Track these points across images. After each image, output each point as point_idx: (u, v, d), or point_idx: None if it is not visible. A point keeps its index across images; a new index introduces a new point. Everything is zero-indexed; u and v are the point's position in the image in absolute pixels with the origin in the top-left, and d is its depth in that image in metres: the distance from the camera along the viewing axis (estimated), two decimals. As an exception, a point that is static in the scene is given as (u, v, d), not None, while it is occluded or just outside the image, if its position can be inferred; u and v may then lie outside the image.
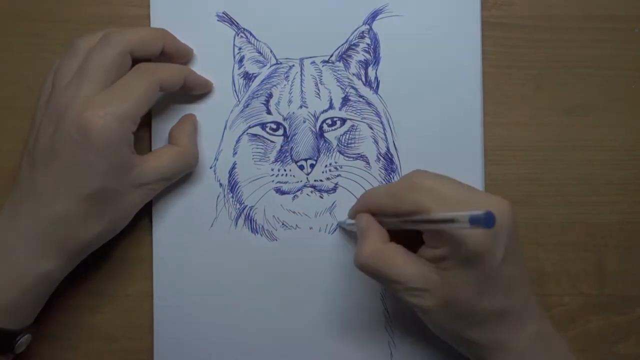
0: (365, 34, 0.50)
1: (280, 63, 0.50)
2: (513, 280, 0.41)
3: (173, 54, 0.48)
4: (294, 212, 0.50)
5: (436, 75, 0.49)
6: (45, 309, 0.46)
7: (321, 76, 0.50)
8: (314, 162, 0.49)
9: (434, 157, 0.49)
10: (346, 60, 0.50)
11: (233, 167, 0.50)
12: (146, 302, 0.50)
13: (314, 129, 0.49)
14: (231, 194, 0.50)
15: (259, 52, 0.50)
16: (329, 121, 0.49)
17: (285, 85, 0.50)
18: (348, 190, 0.49)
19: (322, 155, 0.49)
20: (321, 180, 0.49)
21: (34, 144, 0.44)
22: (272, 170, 0.50)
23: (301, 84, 0.50)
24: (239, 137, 0.50)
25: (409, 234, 0.43)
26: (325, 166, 0.49)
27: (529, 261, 0.50)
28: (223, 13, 0.50)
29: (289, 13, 0.50)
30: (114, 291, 0.50)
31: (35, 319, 0.46)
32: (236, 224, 0.50)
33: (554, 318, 0.50)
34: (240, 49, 0.50)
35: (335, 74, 0.50)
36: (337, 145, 0.49)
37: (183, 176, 0.49)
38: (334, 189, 0.49)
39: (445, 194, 0.40)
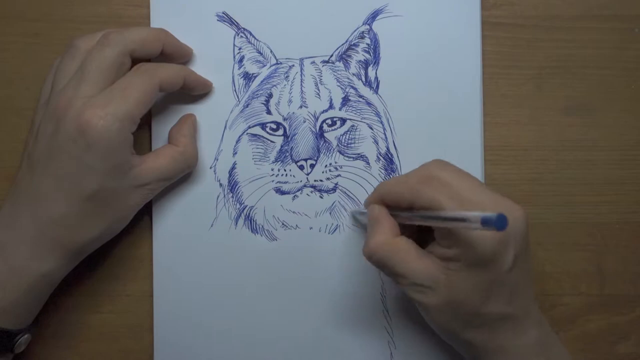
0: (365, 34, 0.50)
1: (280, 63, 0.50)
2: (519, 287, 0.41)
3: (173, 54, 0.48)
4: (294, 212, 0.50)
5: (436, 75, 0.49)
6: (45, 309, 0.46)
7: (321, 76, 0.50)
8: (314, 162, 0.49)
9: (433, 156, 0.48)
10: (346, 60, 0.50)
11: (233, 167, 0.50)
12: (146, 302, 0.50)
13: (314, 129, 0.49)
14: (231, 194, 0.50)
15: (259, 52, 0.50)
16: (329, 121, 0.49)
17: (285, 85, 0.50)
18: (348, 190, 0.49)
19: (322, 155, 0.49)
20: (321, 180, 0.49)
21: (34, 145, 0.44)
22: (272, 170, 0.50)
23: (301, 84, 0.50)
24: (239, 137, 0.50)
25: (422, 229, 0.43)
26: (325, 166, 0.49)
27: (529, 261, 0.50)
28: (223, 13, 0.50)
29: (289, 13, 0.50)
30: (114, 291, 0.50)
31: (35, 319, 0.46)
32: (236, 224, 0.50)
33: (554, 318, 0.50)
34: (240, 49, 0.50)
35: (335, 74, 0.50)
36: (337, 145, 0.49)
37: (183, 176, 0.49)
38: (334, 189, 0.49)
39: (462, 193, 0.40)
